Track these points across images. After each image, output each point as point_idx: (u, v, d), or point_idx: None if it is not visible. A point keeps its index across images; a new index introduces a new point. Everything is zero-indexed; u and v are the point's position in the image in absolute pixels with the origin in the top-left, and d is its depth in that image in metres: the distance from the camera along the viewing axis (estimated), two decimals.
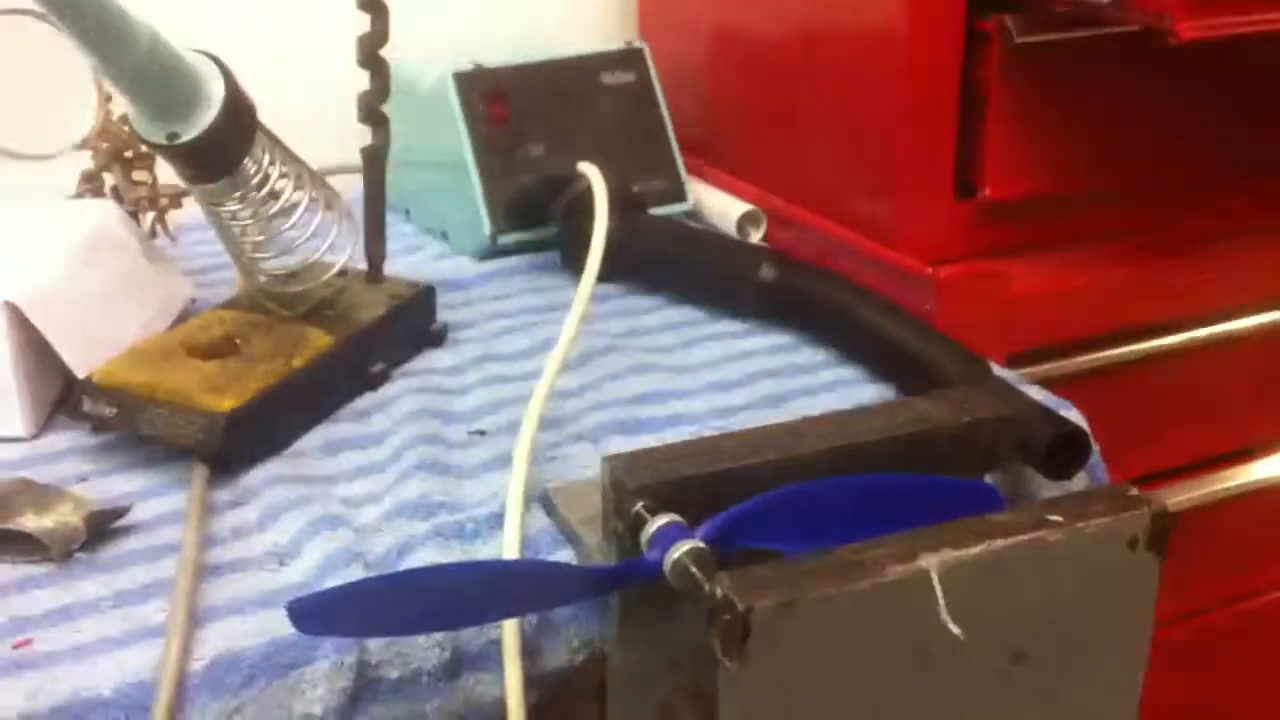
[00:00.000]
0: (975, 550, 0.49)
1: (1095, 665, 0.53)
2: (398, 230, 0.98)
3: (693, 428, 0.69)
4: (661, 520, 0.53)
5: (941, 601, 0.48)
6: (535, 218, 0.91)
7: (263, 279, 0.73)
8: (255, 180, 0.68)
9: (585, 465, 0.65)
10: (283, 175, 0.69)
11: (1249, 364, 0.94)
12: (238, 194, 0.68)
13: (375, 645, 0.55)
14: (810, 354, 0.78)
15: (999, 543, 0.49)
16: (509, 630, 0.56)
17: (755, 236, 0.95)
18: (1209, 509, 0.95)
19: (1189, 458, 0.94)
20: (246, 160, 0.67)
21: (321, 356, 0.70)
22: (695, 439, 0.59)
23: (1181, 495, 0.93)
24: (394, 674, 0.55)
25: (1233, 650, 1.00)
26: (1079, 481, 0.67)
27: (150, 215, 0.86)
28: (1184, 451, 0.94)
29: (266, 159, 0.68)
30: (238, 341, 0.70)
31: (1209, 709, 1.00)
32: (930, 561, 0.48)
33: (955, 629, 0.48)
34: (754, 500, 0.54)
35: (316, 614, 0.50)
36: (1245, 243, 0.90)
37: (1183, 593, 0.95)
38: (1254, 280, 0.92)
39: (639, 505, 0.54)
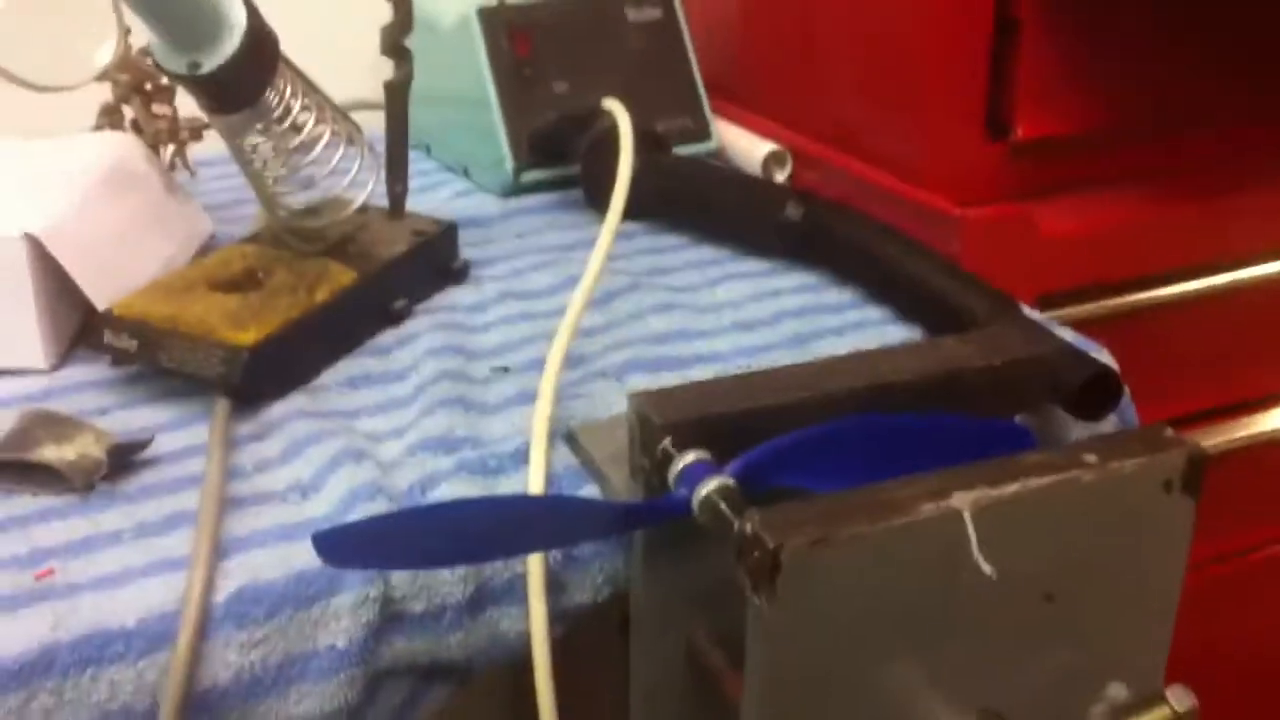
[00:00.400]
0: (1009, 490, 0.49)
1: (1126, 607, 0.53)
2: (419, 167, 0.97)
3: (717, 366, 0.68)
4: (689, 457, 0.52)
5: (974, 540, 0.48)
6: (558, 155, 0.90)
7: (284, 214, 0.72)
8: (277, 113, 0.67)
9: (609, 403, 0.65)
10: (305, 108, 0.68)
11: None
12: (259, 126, 0.67)
13: (399, 579, 0.54)
14: (836, 294, 0.77)
15: (1033, 482, 0.49)
16: (534, 566, 0.56)
17: (780, 177, 0.94)
18: (1236, 454, 0.94)
19: (1217, 402, 0.93)
20: (268, 92, 0.66)
21: (343, 291, 0.69)
22: (723, 377, 0.58)
23: (1209, 440, 0.92)
24: (418, 608, 0.55)
25: (1257, 596, 0.99)
26: (1108, 424, 0.66)
27: (170, 149, 0.85)
28: (1213, 396, 0.93)
29: (289, 91, 0.67)
30: (260, 276, 0.69)
31: (1233, 654, 1.00)
32: (963, 500, 0.48)
33: (987, 568, 0.48)
34: (783, 438, 0.53)
35: (341, 545, 0.49)
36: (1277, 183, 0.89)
37: (1208, 537, 0.95)
38: None
39: (666, 442, 0.53)
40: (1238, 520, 0.97)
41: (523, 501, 0.56)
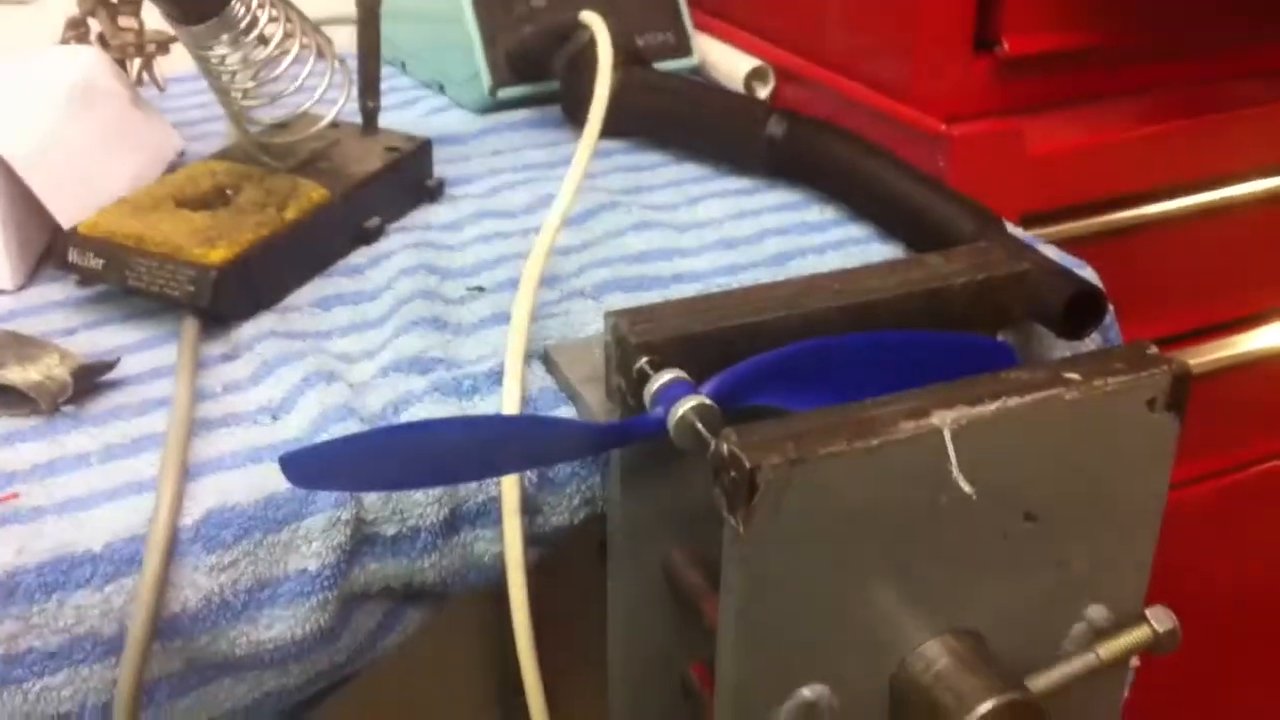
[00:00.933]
0: (990, 408, 0.48)
1: (1108, 527, 0.52)
2: (393, 84, 0.95)
3: (696, 285, 0.67)
4: (665, 377, 0.51)
5: (954, 459, 0.47)
6: (536, 71, 0.88)
7: (253, 129, 0.71)
8: (244, 23, 0.65)
9: (586, 323, 0.63)
10: (272, 19, 0.66)
11: (1270, 226, 0.92)
12: (225, 37, 0.65)
13: (372, 501, 0.53)
14: (819, 212, 0.75)
15: (1014, 400, 0.48)
16: (509, 487, 0.55)
17: (763, 93, 0.92)
18: (1220, 374, 0.93)
19: (1203, 321, 0.92)
20: (234, 1, 0.64)
21: (315, 209, 0.68)
22: (701, 295, 0.57)
23: (1194, 359, 0.91)
24: (391, 530, 0.54)
25: (1240, 517, 0.99)
26: (1091, 343, 0.65)
27: (137, 62, 0.83)
28: (1199, 315, 0.92)
29: (255, 1, 0.65)
30: (229, 193, 0.68)
31: (1215, 575, 1.00)
32: (943, 418, 0.47)
33: (967, 487, 0.47)
34: (762, 357, 0.53)
35: (309, 466, 0.48)
36: (1271, 100, 0.87)
37: (1191, 458, 0.94)
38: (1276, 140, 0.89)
39: (642, 361, 0.52)
40: (1222, 440, 0.97)
41: (496, 422, 0.55)
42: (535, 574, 0.57)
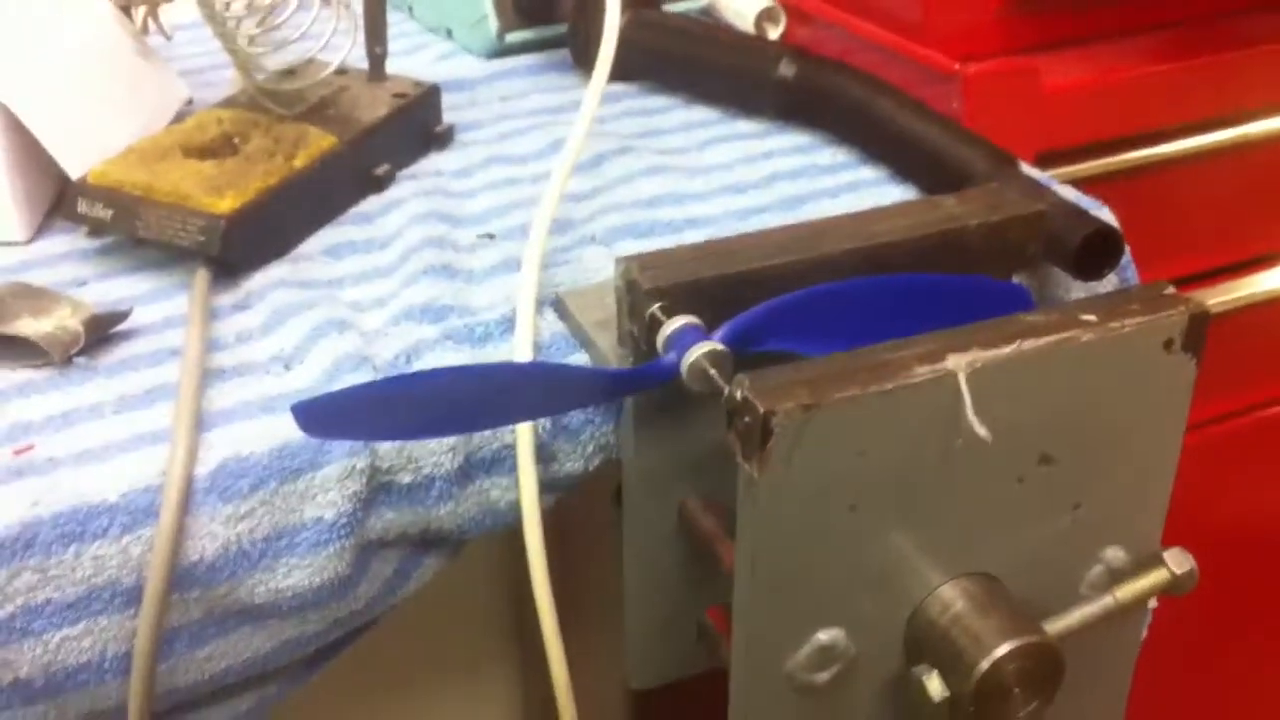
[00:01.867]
0: (1005, 351, 0.47)
1: (1124, 469, 0.52)
2: (401, 29, 0.94)
3: (708, 230, 0.67)
4: (678, 322, 0.51)
5: (969, 403, 0.47)
6: (544, 14, 0.87)
7: (260, 76, 0.70)
8: None
9: (598, 268, 0.63)
10: None
11: None
12: None
13: (386, 450, 0.53)
14: (831, 154, 0.75)
15: (1029, 343, 0.48)
16: (523, 434, 0.55)
17: (773, 34, 0.91)
18: (1239, 314, 0.93)
19: (1222, 260, 0.92)
20: None
21: (324, 156, 0.67)
22: (713, 240, 0.56)
23: (1212, 299, 0.91)
24: (406, 479, 0.54)
25: (1259, 457, 0.99)
26: (1109, 283, 0.65)
27: (142, 10, 0.82)
28: (1217, 254, 0.91)
29: None
30: (236, 141, 0.67)
31: (1233, 515, 1.00)
32: (958, 362, 0.47)
33: (982, 431, 0.47)
34: (775, 301, 0.52)
35: (323, 416, 0.48)
36: None
37: (1209, 398, 0.94)
38: None
39: (655, 307, 0.52)
40: (1240, 380, 0.96)
41: (508, 369, 0.54)
42: (550, 519, 0.57)
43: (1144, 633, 0.63)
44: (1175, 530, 0.66)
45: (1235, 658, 1.09)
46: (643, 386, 0.52)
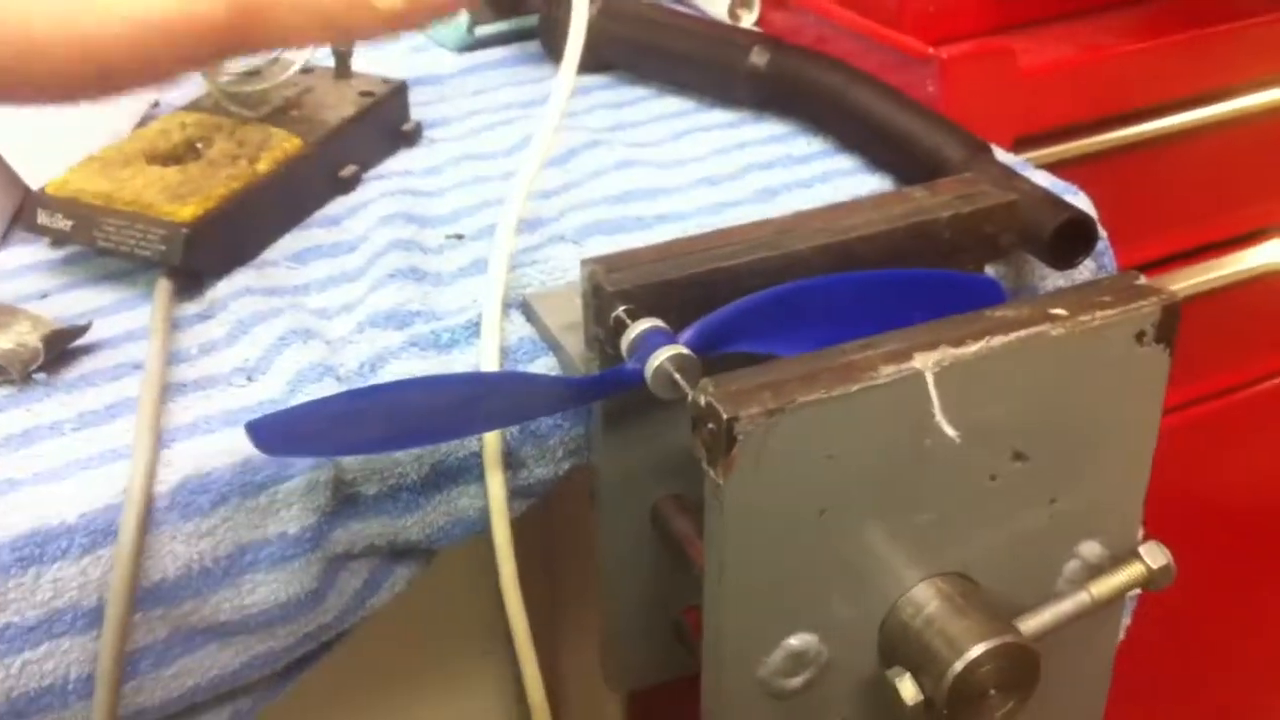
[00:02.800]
0: (973, 348, 0.46)
1: (1099, 463, 0.51)
2: None
3: (680, 226, 0.66)
4: (643, 326, 0.50)
5: (936, 403, 0.46)
6: (516, 6, 0.86)
7: (224, 79, 0.69)
8: None
9: (568, 268, 0.62)
10: None
11: (1268, 141, 0.90)
12: None
13: (351, 462, 0.53)
14: (805, 144, 0.74)
15: (998, 340, 0.47)
16: (490, 443, 0.54)
17: (747, 20, 0.89)
18: (1224, 291, 0.92)
19: (1205, 239, 0.91)
20: None
21: (288, 160, 0.66)
22: (679, 239, 0.55)
23: (1195, 279, 0.90)
24: (371, 490, 0.53)
25: (1239, 437, 0.98)
26: (1086, 269, 0.64)
27: None
28: (1199, 234, 0.90)
29: None
30: (200, 146, 0.66)
31: (1211, 497, 0.99)
32: (925, 361, 0.46)
33: (951, 431, 0.46)
34: (743, 301, 0.51)
35: (280, 433, 0.47)
36: (1267, 11, 0.84)
37: (1193, 377, 0.93)
38: (1275, 50, 0.86)
39: (620, 310, 0.51)
40: (1226, 358, 0.95)
41: (472, 380, 0.54)
42: (521, 525, 0.56)
43: (1125, 623, 0.62)
44: (1160, 513, 0.66)
45: (1215, 641, 1.08)
46: (608, 394, 0.52)
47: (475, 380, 0.53)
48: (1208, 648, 1.06)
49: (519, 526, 0.57)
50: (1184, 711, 1.08)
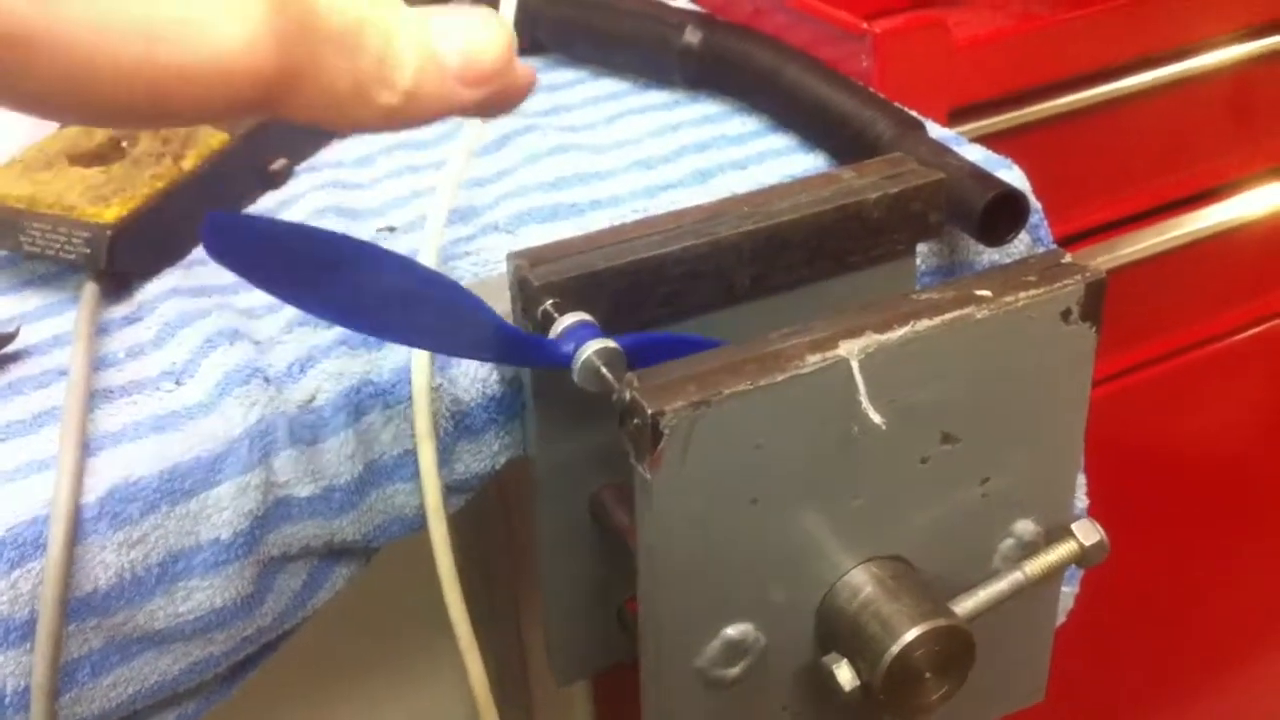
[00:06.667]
0: (899, 333, 0.46)
1: (1030, 441, 0.51)
2: None
3: (613, 211, 0.65)
4: (569, 320, 0.50)
5: (862, 389, 0.46)
6: None
7: None
8: None
9: (500, 259, 0.61)
10: None
11: (1210, 103, 0.90)
12: None
13: (282, 464, 0.52)
14: (740, 123, 0.73)
15: (923, 324, 0.47)
16: (423, 439, 0.54)
17: None
18: (1175, 253, 0.92)
19: (1151, 203, 0.91)
20: None
21: (215, 155, 0.65)
22: (607, 228, 0.55)
23: (1139, 244, 0.90)
24: (304, 492, 0.53)
25: (1194, 393, 0.98)
26: (1021, 244, 0.64)
27: None
28: (1145, 197, 0.91)
29: None
30: (124, 144, 0.65)
31: (1157, 460, 1.00)
32: (850, 348, 0.46)
33: (877, 418, 0.46)
34: (684, 337, 0.51)
35: (232, 237, 0.46)
36: None
37: (1144, 340, 0.94)
38: (1213, 12, 0.87)
39: (546, 304, 0.51)
40: (1177, 318, 0.96)
41: (424, 276, 0.50)
42: (459, 520, 0.56)
43: (1069, 602, 0.63)
44: (1098, 488, 0.66)
45: (1160, 613, 1.09)
46: (536, 361, 0.51)
47: (427, 278, 0.50)
48: (1154, 619, 1.07)
49: (482, 510, 0.57)
50: (1129, 686, 1.09)
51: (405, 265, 0.50)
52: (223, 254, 0.46)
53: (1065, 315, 0.49)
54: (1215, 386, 1.00)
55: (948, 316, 0.47)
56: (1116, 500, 0.71)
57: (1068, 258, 0.50)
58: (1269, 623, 1.18)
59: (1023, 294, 0.48)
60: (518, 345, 0.50)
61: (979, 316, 0.47)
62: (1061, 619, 0.70)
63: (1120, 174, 0.88)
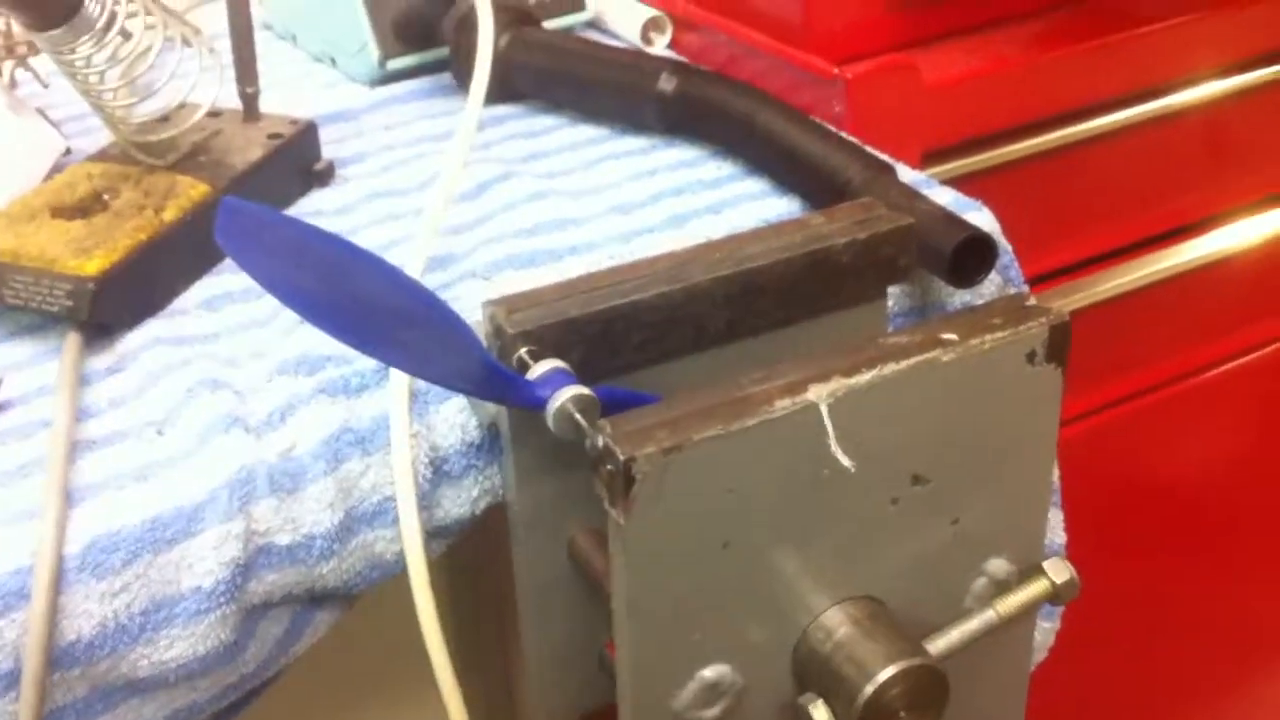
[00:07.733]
0: (866, 377, 0.47)
1: (999, 481, 0.52)
2: (288, 57, 0.93)
3: (591, 257, 0.66)
4: (544, 367, 0.51)
5: (831, 433, 0.47)
6: (426, 38, 0.86)
7: (128, 128, 0.69)
8: (101, 22, 0.63)
9: (478, 306, 0.62)
10: (131, 14, 0.64)
11: (1180, 142, 0.91)
12: (86, 39, 0.63)
13: (262, 512, 0.53)
14: (715, 168, 0.74)
15: (890, 368, 0.48)
16: (403, 485, 0.55)
17: (661, 43, 0.90)
18: (1146, 290, 0.93)
19: (1122, 240, 0.92)
20: (88, 2, 0.62)
21: (195, 207, 0.66)
22: (581, 275, 0.56)
23: (1110, 282, 0.91)
24: (285, 540, 0.53)
25: (1171, 428, 0.99)
26: (991, 284, 0.65)
27: (9, 65, 0.81)
28: (1117, 235, 0.92)
29: None
30: (106, 197, 0.66)
31: (1136, 495, 1.00)
32: (819, 393, 0.47)
33: (846, 461, 0.47)
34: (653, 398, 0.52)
35: (243, 225, 0.46)
36: (1168, 16, 0.86)
37: (1118, 376, 0.95)
38: (1182, 53, 0.88)
39: (522, 351, 0.52)
40: (1148, 356, 0.97)
41: (414, 290, 0.51)
42: (440, 565, 0.57)
43: (1050, 638, 0.64)
44: (1076, 525, 0.67)
45: (1134, 647, 1.09)
46: (510, 400, 0.51)
47: (415, 293, 0.50)
48: (1132, 653, 1.07)
49: (472, 550, 0.57)
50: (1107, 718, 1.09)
51: (405, 282, 0.50)
52: (230, 239, 0.46)
53: (1030, 357, 0.50)
54: (1192, 421, 1.01)
55: (915, 360, 0.48)
56: (1095, 536, 0.72)
57: (1033, 300, 0.51)
58: (1245, 655, 1.18)
59: (988, 337, 0.49)
60: (498, 381, 0.51)
61: (945, 360, 0.48)
62: (1043, 655, 0.71)
63: (1093, 212, 0.90)
